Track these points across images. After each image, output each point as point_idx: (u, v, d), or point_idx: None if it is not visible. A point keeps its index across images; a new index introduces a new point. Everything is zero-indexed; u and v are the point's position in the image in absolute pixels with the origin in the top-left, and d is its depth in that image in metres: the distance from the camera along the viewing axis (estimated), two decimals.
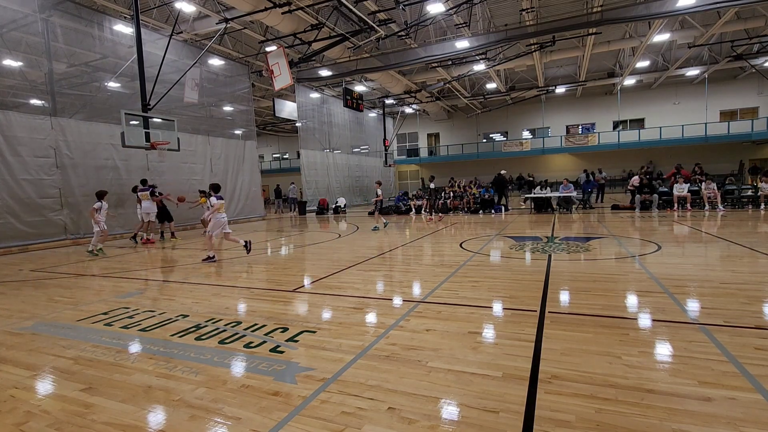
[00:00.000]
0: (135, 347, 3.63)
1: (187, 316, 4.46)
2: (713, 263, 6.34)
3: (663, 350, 3.13)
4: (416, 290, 5.25)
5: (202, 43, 17.13)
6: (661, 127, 28.64)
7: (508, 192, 19.85)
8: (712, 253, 7.14)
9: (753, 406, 2.32)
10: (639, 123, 31.00)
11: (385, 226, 12.70)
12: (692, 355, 3.00)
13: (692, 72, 25.63)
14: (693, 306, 4.16)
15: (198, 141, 16.19)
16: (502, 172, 20.52)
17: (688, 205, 14.87)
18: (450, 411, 2.40)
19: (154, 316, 4.51)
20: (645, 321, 3.79)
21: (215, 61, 17.57)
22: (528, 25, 17.20)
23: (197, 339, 3.74)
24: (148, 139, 11.14)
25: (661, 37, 19.50)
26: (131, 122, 11.13)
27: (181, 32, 15.82)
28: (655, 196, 15.32)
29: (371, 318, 4.18)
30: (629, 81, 27.45)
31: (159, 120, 11.83)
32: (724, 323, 3.59)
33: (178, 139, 12.08)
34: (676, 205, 14.80)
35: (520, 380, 2.71)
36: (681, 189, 14.83)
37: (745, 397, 2.41)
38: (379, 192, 12.83)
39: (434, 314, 4.17)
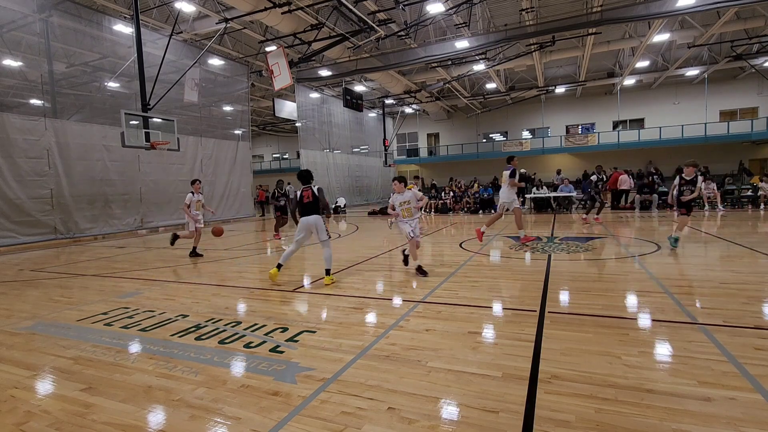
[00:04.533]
0: (135, 347, 3.62)
1: (187, 316, 4.46)
2: (713, 263, 6.35)
3: (663, 350, 3.13)
4: (416, 290, 5.25)
5: (201, 43, 17.12)
6: (660, 127, 28.60)
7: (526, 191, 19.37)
8: (712, 253, 7.14)
9: (753, 406, 2.32)
10: (639, 123, 30.96)
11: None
12: (692, 355, 3.00)
13: (692, 72, 25.60)
14: (693, 306, 4.16)
15: (189, 142, 16.12)
16: (522, 171, 20.16)
17: None
18: (450, 411, 2.39)
19: (154, 316, 4.51)
20: (645, 321, 3.79)
21: (215, 61, 17.55)
22: (528, 25, 17.20)
23: (197, 339, 3.74)
24: (148, 139, 11.14)
25: (660, 37, 19.47)
26: (129, 122, 11.13)
27: (181, 32, 15.81)
28: (655, 196, 15.33)
29: (371, 318, 4.18)
30: (629, 81, 27.41)
31: (158, 120, 11.83)
32: (724, 323, 3.59)
33: (178, 139, 12.08)
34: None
35: (520, 380, 2.70)
36: None
37: (745, 397, 2.41)
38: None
39: (434, 314, 4.17)
